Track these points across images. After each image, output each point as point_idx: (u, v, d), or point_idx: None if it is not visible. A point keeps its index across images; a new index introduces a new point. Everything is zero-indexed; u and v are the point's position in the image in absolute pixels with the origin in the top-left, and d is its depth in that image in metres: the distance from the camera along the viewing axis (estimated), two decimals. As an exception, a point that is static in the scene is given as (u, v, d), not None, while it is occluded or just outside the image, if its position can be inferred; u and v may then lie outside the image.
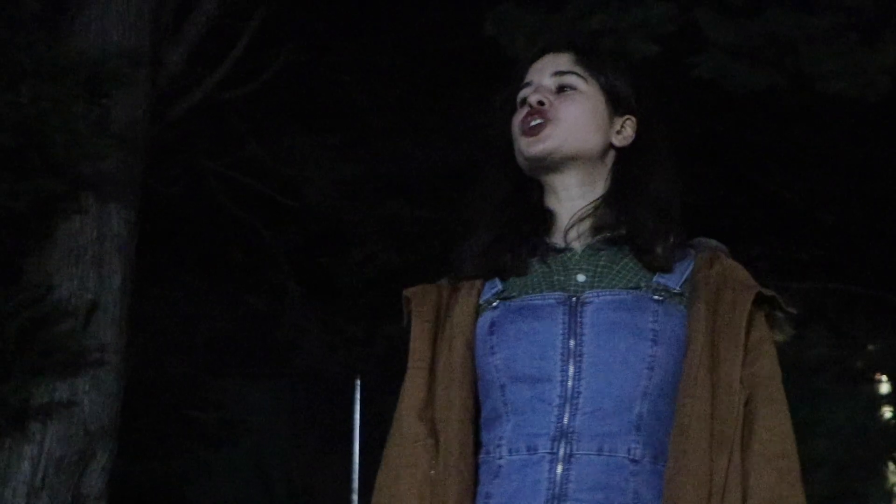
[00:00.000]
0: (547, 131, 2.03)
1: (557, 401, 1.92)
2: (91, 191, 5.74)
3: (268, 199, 8.25)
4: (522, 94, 2.09)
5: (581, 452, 1.90)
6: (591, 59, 2.10)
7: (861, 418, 7.84)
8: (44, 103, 5.43)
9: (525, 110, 2.06)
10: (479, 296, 2.03)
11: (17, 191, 5.40)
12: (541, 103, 2.04)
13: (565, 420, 1.91)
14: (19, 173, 5.45)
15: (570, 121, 2.04)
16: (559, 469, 1.90)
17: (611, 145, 2.08)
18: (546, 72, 2.08)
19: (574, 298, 1.96)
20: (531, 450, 1.92)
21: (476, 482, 1.96)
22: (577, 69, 2.08)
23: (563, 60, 2.09)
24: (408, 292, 2.06)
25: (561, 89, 2.07)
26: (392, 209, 8.26)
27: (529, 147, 2.04)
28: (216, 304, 9.01)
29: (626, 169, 2.06)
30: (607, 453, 1.90)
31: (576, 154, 2.04)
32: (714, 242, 2.08)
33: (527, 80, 2.10)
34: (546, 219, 2.06)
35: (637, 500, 1.90)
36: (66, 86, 5.52)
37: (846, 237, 8.77)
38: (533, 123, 2.03)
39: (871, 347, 8.95)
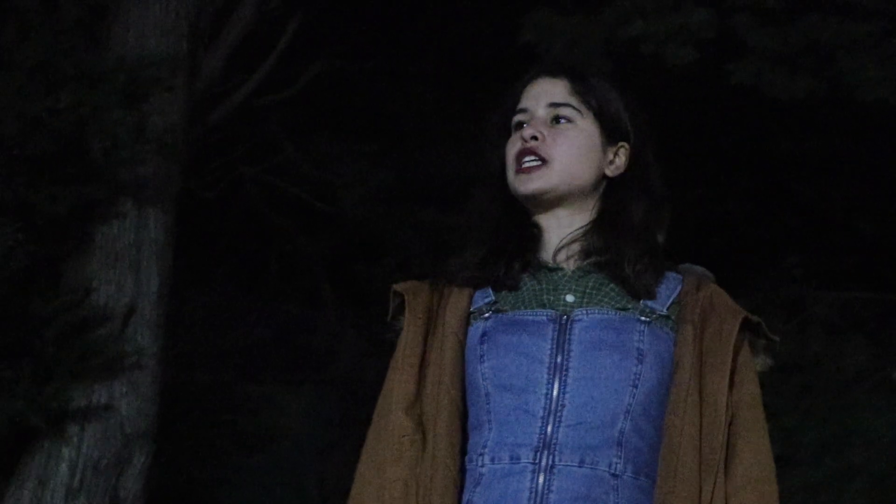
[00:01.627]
0: (540, 172, 2.02)
1: (541, 412, 1.93)
2: (129, 196, 5.77)
3: (304, 205, 8.28)
4: (517, 119, 2.07)
5: (563, 464, 1.92)
6: (587, 88, 2.06)
7: (899, 429, 7.77)
8: (83, 109, 5.46)
9: (519, 144, 2.04)
10: (470, 300, 2.04)
11: (57, 195, 5.43)
12: (534, 138, 2.03)
13: (548, 431, 1.93)
14: (59, 178, 5.48)
15: (564, 161, 2.02)
16: (541, 479, 1.91)
17: (604, 176, 2.08)
18: (541, 101, 2.06)
19: (564, 317, 1.98)
20: (514, 459, 1.93)
21: (462, 484, 1.97)
22: (573, 100, 2.05)
23: (558, 89, 2.07)
24: (399, 287, 2.06)
25: (555, 121, 2.05)
26: (427, 216, 8.26)
27: (522, 186, 2.03)
28: (252, 310, 9.03)
29: (616, 197, 2.06)
30: (589, 466, 1.92)
31: (568, 193, 2.04)
32: (700, 269, 2.09)
33: (522, 105, 2.08)
34: (536, 235, 2.06)
35: None
36: (105, 92, 5.55)
37: (884, 246, 8.70)
38: (526, 163, 2.02)
39: (909, 357, 8.87)
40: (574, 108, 2.05)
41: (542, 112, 2.05)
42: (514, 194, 2.06)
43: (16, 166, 5.40)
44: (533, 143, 2.03)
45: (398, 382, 2.00)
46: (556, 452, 1.91)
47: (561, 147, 2.03)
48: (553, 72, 2.09)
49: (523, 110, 2.07)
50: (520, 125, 2.07)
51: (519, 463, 1.93)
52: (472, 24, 7.79)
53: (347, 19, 7.81)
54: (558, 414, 1.93)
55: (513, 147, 2.06)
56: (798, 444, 7.14)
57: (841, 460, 7.44)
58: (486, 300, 2.03)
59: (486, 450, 1.95)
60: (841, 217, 8.77)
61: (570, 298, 2.00)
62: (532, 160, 2.02)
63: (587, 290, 2.01)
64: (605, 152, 2.06)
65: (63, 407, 5.50)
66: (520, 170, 2.03)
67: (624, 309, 1.98)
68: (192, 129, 6.27)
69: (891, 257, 8.65)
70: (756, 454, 1.95)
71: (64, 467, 5.55)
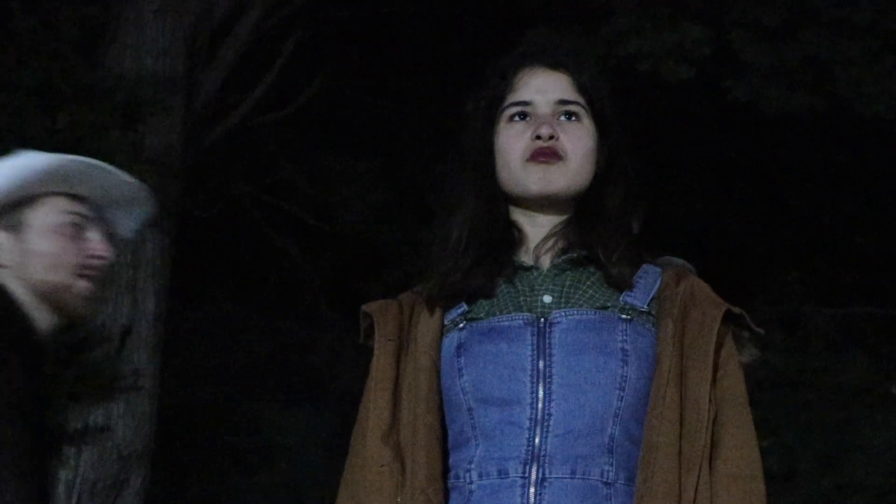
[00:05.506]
0: (557, 169, 1.95)
1: (528, 423, 1.87)
2: (126, 216, 5.75)
3: (303, 223, 8.27)
4: (517, 110, 1.99)
5: (554, 476, 1.85)
6: (588, 84, 2.00)
7: (899, 444, 7.76)
8: (80, 129, 5.46)
9: (527, 139, 1.96)
10: (443, 315, 1.97)
11: (54, 216, 5.42)
12: (551, 137, 1.95)
13: (536, 442, 1.86)
14: (55, 199, 5.47)
15: (579, 160, 1.96)
16: (531, 492, 1.85)
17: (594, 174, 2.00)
18: (548, 96, 1.98)
19: (542, 319, 1.91)
20: (502, 474, 1.87)
21: None
22: (580, 98, 1.99)
23: (563, 84, 1.99)
24: (368, 308, 2.00)
25: (565, 118, 1.98)
26: (425, 233, 8.24)
27: (537, 184, 1.96)
28: (251, 329, 9.02)
29: (596, 191, 1.99)
30: (580, 476, 1.85)
31: (577, 192, 1.98)
32: (680, 261, 2.06)
33: (522, 97, 1.99)
34: (513, 235, 1.99)
35: None
36: (103, 112, 5.55)
37: (883, 260, 8.70)
38: (546, 158, 1.95)
39: (909, 372, 8.86)
40: (582, 105, 1.98)
41: (548, 108, 1.98)
42: (512, 190, 1.98)
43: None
44: (552, 143, 1.95)
45: (373, 410, 1.94)
46: (546, 464, 1.85)
47: (576, 147, 1.96)
48: (553, 64, 2.01)
49: (525, 103, 1.99)
50: (519, 116, 1.99)
51: (508, 478, 1.86)
52: (471, 41, 7.79)
53: (345, 38, 7.82)
54: (545, 423, 1.86)
55: (517, 141, 1.97)
56: (798, 460, 7.12)
57: (841, 476, 7.42)
58: (460, 310, 1.96)
59: (473, 465, 1.89)
60: (840, 232, 8.77)
61: (547, 299, 1.93)
62: (551, 157, 1.95)
63: (564, 290, 1.94)
64: (599, 150, 1.99)
65: (59, 429, 5.48)
66: (535, 161, 1.95)
67: (603, 308, 1.92)
68: (189, 149, 6.27)
69: (890, 272, 8.65)
70: (740, 450, 1.88)
71: (61, 489, 5.54)
